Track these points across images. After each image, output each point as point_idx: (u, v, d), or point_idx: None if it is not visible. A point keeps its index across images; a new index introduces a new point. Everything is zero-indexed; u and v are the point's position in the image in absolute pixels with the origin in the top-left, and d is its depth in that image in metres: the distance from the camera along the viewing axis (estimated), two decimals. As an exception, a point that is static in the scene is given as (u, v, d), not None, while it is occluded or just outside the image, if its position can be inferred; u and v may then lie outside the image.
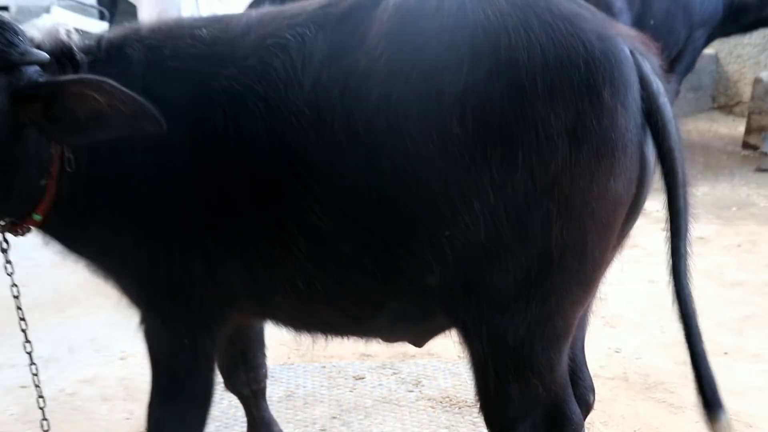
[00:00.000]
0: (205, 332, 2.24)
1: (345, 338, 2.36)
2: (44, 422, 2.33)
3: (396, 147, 1.81)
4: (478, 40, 1.72)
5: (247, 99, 1.98)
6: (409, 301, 2.07)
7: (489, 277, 1.85)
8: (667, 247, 1.90)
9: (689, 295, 1.89)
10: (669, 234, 1.89)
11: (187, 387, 2.23)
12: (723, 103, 6.96)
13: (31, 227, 2.12)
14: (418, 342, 2.33)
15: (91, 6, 8.94)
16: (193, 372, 2.23)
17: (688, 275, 1.90)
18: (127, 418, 3.05)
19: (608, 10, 6.06)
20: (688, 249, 1.90)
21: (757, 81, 5.78)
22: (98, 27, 7.58)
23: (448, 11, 1.76)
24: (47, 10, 7.61)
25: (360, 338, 2.38)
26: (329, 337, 2.35)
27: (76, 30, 2.21)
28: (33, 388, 2.30)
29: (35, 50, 1.88)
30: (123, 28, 2.16)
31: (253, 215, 2.07)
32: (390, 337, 2.30)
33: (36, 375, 2.32)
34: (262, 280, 2.17)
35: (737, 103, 6.38)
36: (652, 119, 1.79)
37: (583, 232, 1.80)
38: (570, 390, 2.16)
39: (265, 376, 2.74)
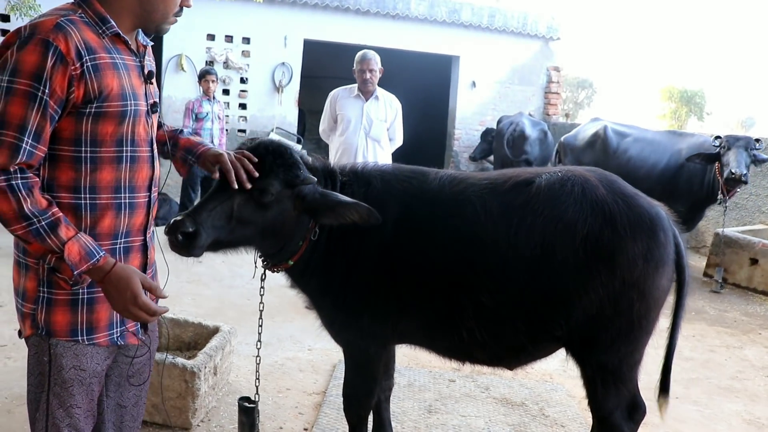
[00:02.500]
0: (384, 349, 2.81)
1: (482, 366, 2.85)
2: (257, 380, 2.91)
3: (547, 262, 2.38)
4: (594, 206, 2.37)
5: (443, 225, 2.52)
6: (541, 346, 2.61)
7: (597, 333, 2.44)
8: (672, 307, 2.60)
9: (678, 330, 2.64)
10: (675, 303, 2.60)
11: (372, 376, 2.79)
12: (693, 245, 8.52)
13: (284, 269, 2.62)
14: (513, 368, 2.83)
15: (292, 133, 10.91)
16: (375, 366, 2.78)
17: (680, 323, 2.63)
18: (314, 382, 4.19)
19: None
20: (683, 314, 2.62)
21: (716, 234, 7.32)
22: (297, 149, 9.53)
23: (575, 189, 2.41)
24: (268, 135, 9.50)
25: (493, 367, 2.87)
26: (471, 365, 2.82)
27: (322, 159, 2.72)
28: (257, 355, 2.91)
29: (310, 175, 2.37)
30: (366, 165, 2.75)
31: (437, 291, 2.54)
32: (513, 366, 2.79)
33: (258, 352, 2.89)
34: (435, 332, 2.67)
35: (702, 246, 7.84)
36: (677, 248, 2.48)
37: (649, 307, 2.44)
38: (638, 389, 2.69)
39: (392, 385, 3.16)
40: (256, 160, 2.25)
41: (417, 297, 2.56)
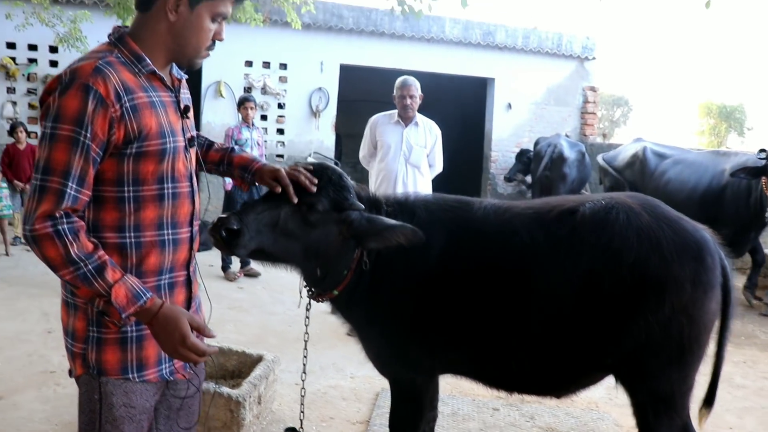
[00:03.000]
0: (430, 380, 2.83)
1: (530, 395, 2.89)
2: (302, 407, 2.98)
3: (595, 291, 2.38)
4: (639, 233, 2.37)
5: (490, 255, 2.54)
6: (590, 374, 2.62)
7: (647, 360, 2.43)
8: (718, 328, 2.57)
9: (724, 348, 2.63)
10: (720, 324, 2.56)
11: (418, 407, 2.78)
12: (739, 266, 8.31)
13: (329, 299, 2.60)
14: (562, 397, 2.82)
15: (330, 158, 11.12)
16: (421, 397, 2.78)
17: (726, 343, 2.62)
18: (357, 411, 4.18)
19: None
20: (729, 335, 2.62)
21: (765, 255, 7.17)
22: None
23: (620, 217, 2.41)
24: (306, 160, 9.63)
25: (541, 396, 2.88)
26: (519, 394, 2.86)
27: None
28: (302, 386, 2.95)
29: (357, 202, 2.39)
30: (410, 195, 2.75)
31: (485, 322, 2.53)
32: (562, 395, 2.79)
33: (303, 380, 2.93)
34: (483, 363, 2.66)
35: (749, 268, 7.59)
36: (723, 271, 2.47)
37: (699, 331, 2.43)
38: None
39: (437, 415, 3.09)
40: (314, 179, 2.28)
41: (465, 328, 2.56)
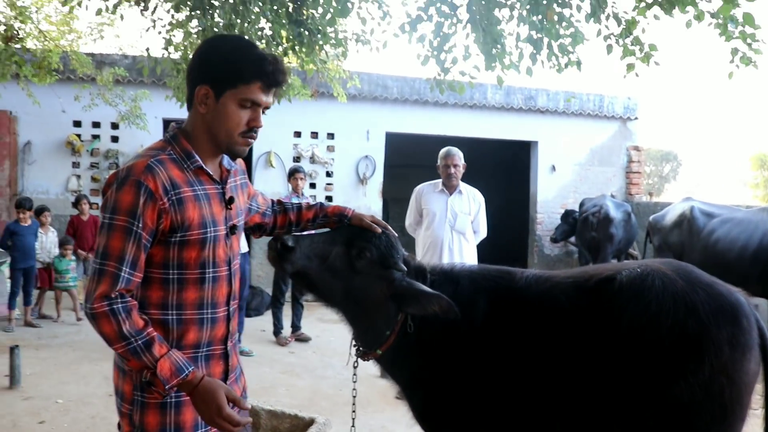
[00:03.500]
0: None
1: None
2: None
3: (635, 355, 2.46)
4: (675, 298, 2.46)
5: (533, 322, 2.63)
6: None
7: (690, 420, 2.46)
8: (763, 391, 2.61)
9: None
10: (764, 386, 2.61)
11: None
12: None
13: (373, 358, 2.74)
14: None
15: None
16: None
17: None
18: None
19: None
20: None
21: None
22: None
23: (656, 284, 2.50)
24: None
25: None
26: None
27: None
28: None
29: (401, 264, 2.56)
30: (455, 265, 2.90)
31: (530, 386, 2.60)
32: None
33: None
34: (530, 428, 2.70)
35: None
36: (761, 332, 2.54)
37: (740, 391, 2.47)
38: None
39: None
40: (378, 228, 2.58)
41: (509, 392, 2.63)
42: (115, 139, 11.66)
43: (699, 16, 4.37)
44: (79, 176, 11.52)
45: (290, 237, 2.47)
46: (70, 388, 5.89)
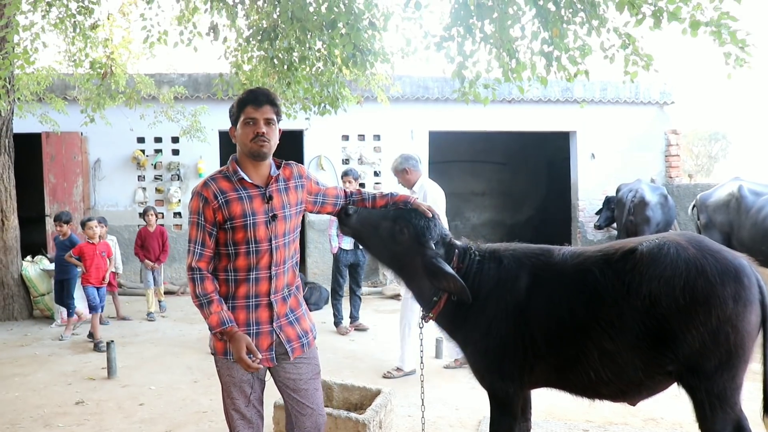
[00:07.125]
0: (521, 390, 3.23)
1: (605, 401, 3.17)
2: (423, 420, 3.75)
3: (654, 311, 2.85)
4: (687, 263, 2.85)
5: (569, 288, 3.05)
6: (656, 380, 2.99)
7: (702, 363, 2.84)
8: (762, 341, 2.91)
9: None
10: (763, 335, 2.91)
11: (512, 414, 3.21)
12: None
13: (432, 320, 3.36)
14: (635, 402, 3.15)
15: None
16: (514, 405, 3.20)
17: None
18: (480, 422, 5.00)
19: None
20: None
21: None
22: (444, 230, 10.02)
23: (671, 252, 2.89)
24: None
25: (617, 402, 3.16)
26: (596, 400, 3.18)
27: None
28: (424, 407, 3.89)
29: (432, 245, 3.15)
30: (500, 246, 3.32)
31: (566, 341, 3.01)
32: (635, 401, 3.13)
33: (423, 402, 3.83)
34: (566, 374, 3.09)
35: None
36: (761, 290, 2.89)
37: (744, 338, 2.83)
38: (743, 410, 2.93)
39: (530, 427, 3.53)
40: (429, 213, 3.27)
41: (550, 346, 3.07)
42: (175, 152, 12.54)
43: (694, 26, 4.67)
44: (144, 188, 12.41)
45: (352, 207, 3.26)
46: (159, 377, 6.58)
